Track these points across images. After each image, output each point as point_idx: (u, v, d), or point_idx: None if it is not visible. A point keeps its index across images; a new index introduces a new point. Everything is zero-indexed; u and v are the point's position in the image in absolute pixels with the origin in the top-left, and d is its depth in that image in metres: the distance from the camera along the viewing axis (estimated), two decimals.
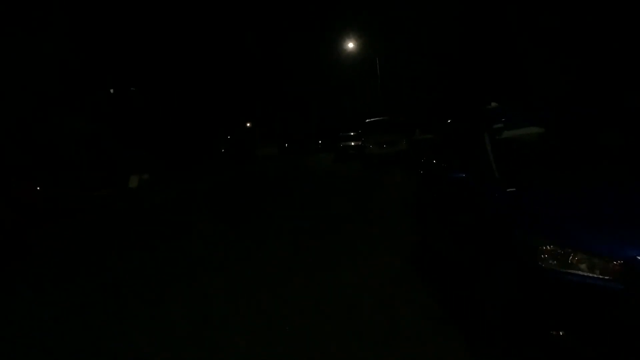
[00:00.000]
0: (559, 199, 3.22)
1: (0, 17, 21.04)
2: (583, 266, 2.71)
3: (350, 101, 44.95)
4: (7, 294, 6.37)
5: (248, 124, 64.96)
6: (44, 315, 5.18)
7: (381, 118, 24.95)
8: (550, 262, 2.80)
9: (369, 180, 16.09)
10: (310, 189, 15.38)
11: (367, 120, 24.99)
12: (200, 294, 5.37)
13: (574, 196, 3.25)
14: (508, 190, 3.50)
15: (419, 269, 5.46)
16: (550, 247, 2.83)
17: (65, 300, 5.62)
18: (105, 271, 6.99)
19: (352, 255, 6.31)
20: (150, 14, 34.58)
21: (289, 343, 3.86)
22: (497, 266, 3.31)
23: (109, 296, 5.65)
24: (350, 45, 33.88)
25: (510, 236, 3.17)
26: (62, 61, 24.08)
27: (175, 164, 31.37)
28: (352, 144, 30.30)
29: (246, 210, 11.68)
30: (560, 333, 2.73)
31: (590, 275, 2.67)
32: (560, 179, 3.60)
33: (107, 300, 5.47)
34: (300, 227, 8.75)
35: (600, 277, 2.65)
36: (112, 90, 33.40)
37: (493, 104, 4.94)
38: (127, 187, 19.36)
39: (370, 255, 6.24)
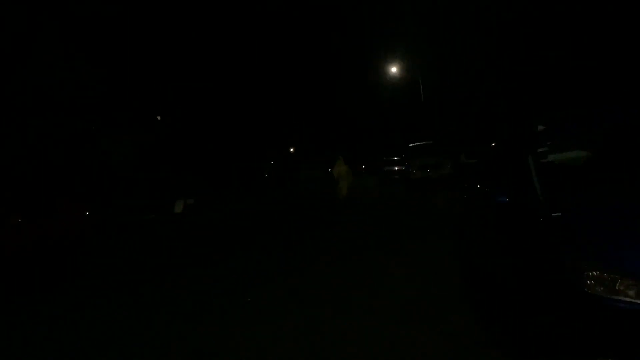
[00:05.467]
0: (606, 224, 3.17)
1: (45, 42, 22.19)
2: (631, 293, 2.67)
3: (395, 125, 45.00)
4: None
5: (291, 150, 67.66)
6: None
7: (425, 142, 24.96)
8: (597, 288, 2.77)
9: (412, 205, 16.01)
10: (355, 215, 15.43)
11: (411, 145, 25.02)
12: None
13: (621, 220, 3.19)
14: (553, 214, 3.47)
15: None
16: (596, 273, 2.80)
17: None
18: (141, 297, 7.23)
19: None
20: (200, 39, 35.93)
21: None
22: (544, 293, 3.27)
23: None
24: (394, 69, 34.00)
25: (557, 262, 3.14)
26: (111, 85, 25.23)
27: (219, 189, 32.07)
28: (396, 168, 30.29)
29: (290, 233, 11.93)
30: None
31: (638, 302, 2.63)
32: (607, 202, 3.52)
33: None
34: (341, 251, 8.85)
35: None
36: (159, 118, 34.70)
37: (540, 127, 4.91)
38: (173, 212, 19.84)
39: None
